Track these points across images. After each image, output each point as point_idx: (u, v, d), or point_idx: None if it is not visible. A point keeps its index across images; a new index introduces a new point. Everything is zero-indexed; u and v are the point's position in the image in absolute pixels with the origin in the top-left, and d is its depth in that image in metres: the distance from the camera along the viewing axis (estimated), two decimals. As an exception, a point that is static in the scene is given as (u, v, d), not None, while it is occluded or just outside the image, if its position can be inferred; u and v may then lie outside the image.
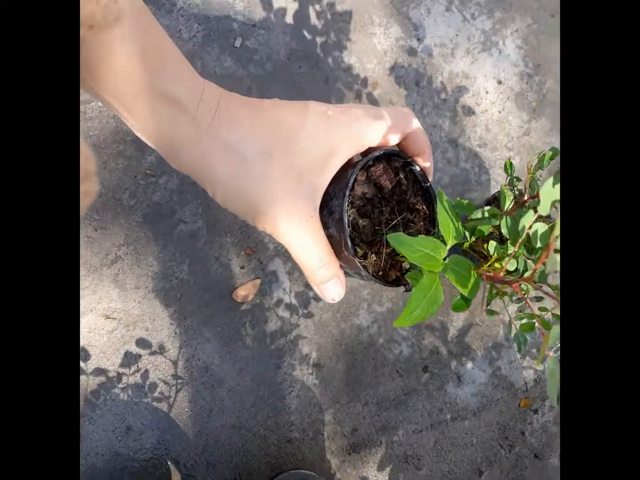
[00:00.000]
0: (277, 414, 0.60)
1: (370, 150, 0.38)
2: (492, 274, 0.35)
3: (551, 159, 0.41)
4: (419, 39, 0.74)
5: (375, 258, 0.38)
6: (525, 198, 0.40)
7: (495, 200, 0.63)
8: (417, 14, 0.75)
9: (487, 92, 0.76)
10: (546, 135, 0.77)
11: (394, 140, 0.38)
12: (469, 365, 0.66)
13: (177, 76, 0.30)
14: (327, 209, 0.37)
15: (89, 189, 0.22)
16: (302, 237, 0.35)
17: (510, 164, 0.45)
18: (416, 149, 0.39)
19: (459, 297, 0.36)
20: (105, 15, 0.25)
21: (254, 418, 0.60)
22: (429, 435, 0.64)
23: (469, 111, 0.75)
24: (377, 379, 0.64)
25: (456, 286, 0.33)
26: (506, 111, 0.76)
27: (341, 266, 0.39)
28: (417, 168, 0.41)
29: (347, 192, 0.35)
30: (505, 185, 0.40)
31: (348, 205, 0.36)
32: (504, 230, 0.37)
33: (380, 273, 0.38)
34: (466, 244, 0.40)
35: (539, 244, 0.33)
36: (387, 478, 0.62)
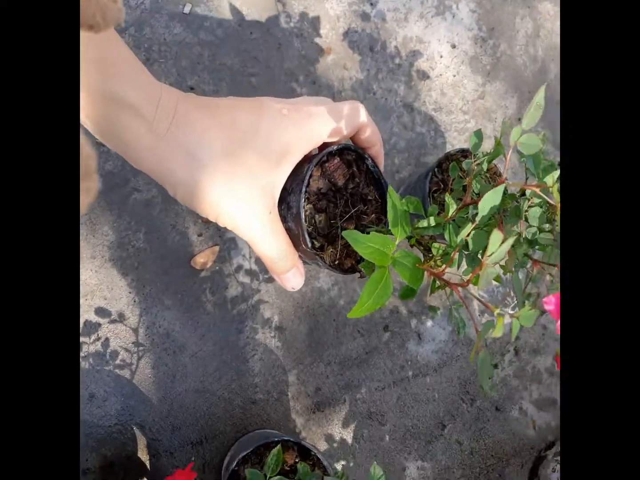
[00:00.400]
0: (241, 377, 0.61)
1: (325, 144, 0.39)
2: (435, 271, 0.37)
3: (489, 162, 0.42)
4: (372, 4, 0.74)
5: (331, 250, 0.40)
6: (469, 200, 0.41)
7: (446, 161, 0.64)
8: (370, -21, 0.75)
9: (441, 57, 0.76)
10: (501, 98, 0.78)
11: (346, 134, 0.39)
12: (429, 323, 0.68)
13: (133, 83, 0.31)
14: (285, 204, 0.38)
15: (90, 186, 0.22)
16: (261, 233, 0.36)
17: (455, 166, 0.46)
18: (368, 142, 0.41)
19: (405, 287, 0.38)
20: (105, 15, 0.25)
21: (218, 382, 0.60)
22: (391, 392, 0.66)
23: (424, 75, 0.75)
24: (339, 339, 0.65)
25: (404, 279, 0.35)
26: (461, 75, 0.77)
27: (300, 256, 0.41)
28: (369, 160, 0.42)
29: (304, 189, 0.37)
30: (448, 194, 0.41)
31: (305, 201, 0.38)
32: (446, 237, 0.39)
33: (337, 262, 0.40)
34: (412, 240, 0.41)
35: (476, 249, 0.34)
36: (351, 434, 0.64)
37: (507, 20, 0.81)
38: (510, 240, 0.32)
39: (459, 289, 0.38)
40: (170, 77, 0.66)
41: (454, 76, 0.77)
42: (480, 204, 0.34)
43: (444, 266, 0.36)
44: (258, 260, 0.63)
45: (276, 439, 0.52)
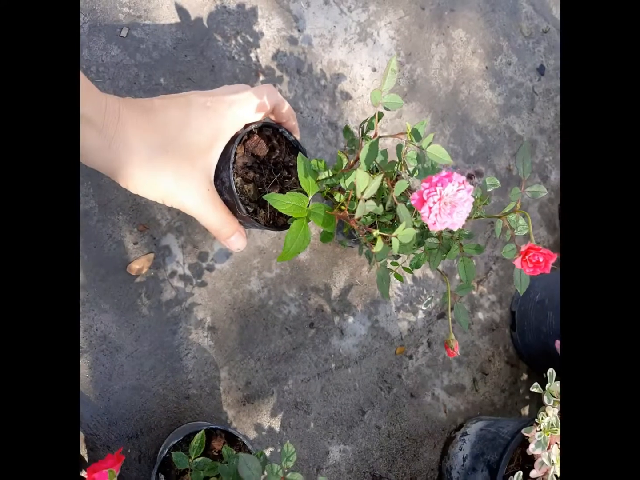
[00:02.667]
0: (175, 374, 0.66)
1: (247, 125, 0.47)
2: (341, 214, 0.45)
3: (370, 127, 0.50)
4: (299, 30, 0.81)
5: (264, 212, 0.48)
6: (356, 159, 0.49)
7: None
8: (297, 7, 0.82)
9: (363, 79, 0.84)
10: (417, 117, 0.87)
11: (264, 113, 0.47)
12: (351, 320, 0.76)
13: (85, 98, 0.37)
14: (220, 180, 0.46)
15: None
16: (203, 208, 0.44)
17: (347, 128, 0.54)
18: (283, 117, 0.49)
19: (323, 231, 0.46)
20: None
21: (153, 379, 0.65)
22: (316, 383, 0.73)
23: (347, 96, 0.83)
24: (268, 337, 0.71)
25: (319, 225, 0.43)
26: (381, 95, 0.85)
27: (240, 222, 0.49)
28: (287, 132, 0.50)
29: (231, 165, 0.44)
30: (340, 151, 0.48)
31: (234, 175, 0.45)
32: (342, 184, 0.47)
33: (271, 222, 0.48)
34: (324, 193, 0.49)
35: (359, 192, 0.42)
36: (279, 423, 0.70)
37: (424, 46, 0.90)
38: (379, 178, 0.40)
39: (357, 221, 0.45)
40: (107, 95, 0.71)
41: (375, 97, 0.85)
42: (361, 155, 0.42)
43: (345, 207, 0.44)
44: (191, 266, 0.69)
45: (205, 427, 0.58)
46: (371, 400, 0.75)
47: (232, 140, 0.45)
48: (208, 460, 0.50)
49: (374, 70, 0.85)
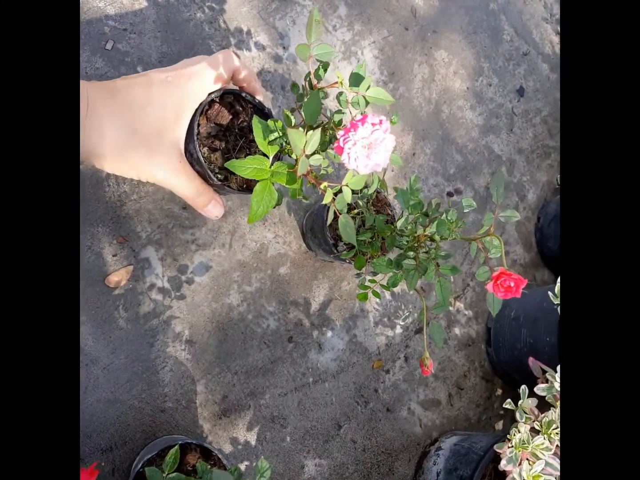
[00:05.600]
0: (151, 388, 0.66)
1: (210, 94, 0.47)
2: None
3: (318, 78, 0.50)
4: (284, 47, 0.83)
5: (234, 178, 0.48)
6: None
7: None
8: (283, 24, 0.83)
9: (346, 97, 0.86)
10: (398, 135, 0.89)
11: (226, 79, 0.48)
12: (329, 334, 0.76)
13: None
14: (189, 152, 0.47)
15: None
16: (177, 179, 0.45)
17: (294, 84, 0.54)
18: (242, 81, 0.50)
19: (290, 189, 0.46)
20: None
21: (129, 392, 0.65)
22: (293, 397, 0.73)
23: (330, 113, 0.84)
24: (246, 350, 0.72)
25: (283, 184, 0.43)
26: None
27: (216, 190, 0.50)
28: (248, 96, 0.51)
29: (195, 137, 0.45)
30: (286, 110, 0.49)
31: (199, 146, 0.46)
32: (291, 143, 0.46)
33: (244, 186, 0.48)
34: (285, 151, 0.49)
35: (298, 149, 0.41)
36: (255, 437, 0.70)
37: (406, 66, 0.92)
38: (317, 132, 0.39)
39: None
40: (90, 106, 0.71)
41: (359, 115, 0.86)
42: (303, 109, 0.42)
43: (295, 166, 0.43)
44: (171, 279, 0.69)
45: (180, 442, 0.58)
46: (347, 414, 0.76)
47: (195, 111, 0.46)
48: (182, 475, 0.51)
49: (357, 88, 0.87)
